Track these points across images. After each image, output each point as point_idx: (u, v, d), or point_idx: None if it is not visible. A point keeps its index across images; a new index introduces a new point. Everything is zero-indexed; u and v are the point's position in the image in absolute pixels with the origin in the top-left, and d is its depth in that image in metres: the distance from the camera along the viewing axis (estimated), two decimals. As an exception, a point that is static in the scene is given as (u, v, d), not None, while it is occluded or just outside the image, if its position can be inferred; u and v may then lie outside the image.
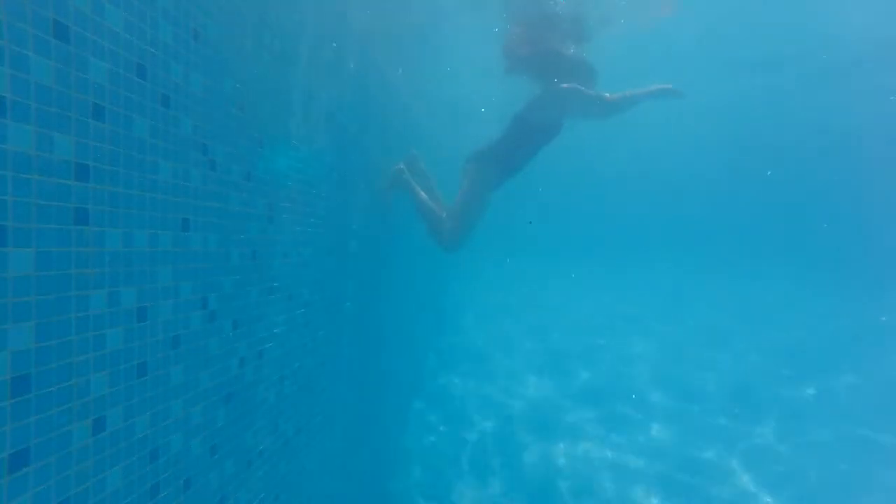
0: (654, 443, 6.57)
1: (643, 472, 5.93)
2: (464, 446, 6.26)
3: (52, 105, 1.29)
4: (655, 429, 6.89)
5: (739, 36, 7.77)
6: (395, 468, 5.73)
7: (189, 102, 1.94)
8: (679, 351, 9.59)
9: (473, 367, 8.59)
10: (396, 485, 5.52)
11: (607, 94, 4.79)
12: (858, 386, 7.89)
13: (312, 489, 3.45)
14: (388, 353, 5.82)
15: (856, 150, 15.78)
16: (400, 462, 5.88)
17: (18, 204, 1.20)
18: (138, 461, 1.68)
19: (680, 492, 5.65)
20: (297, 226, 3.10)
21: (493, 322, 11.18)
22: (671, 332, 10.77)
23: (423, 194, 5.05)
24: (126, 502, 1.61)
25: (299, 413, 3.19)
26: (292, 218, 3.02)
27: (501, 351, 9.47)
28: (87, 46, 1.40)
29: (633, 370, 8.67)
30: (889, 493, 5.56)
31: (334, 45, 3.63)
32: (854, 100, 10.90)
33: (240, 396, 2.41)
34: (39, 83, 1.25)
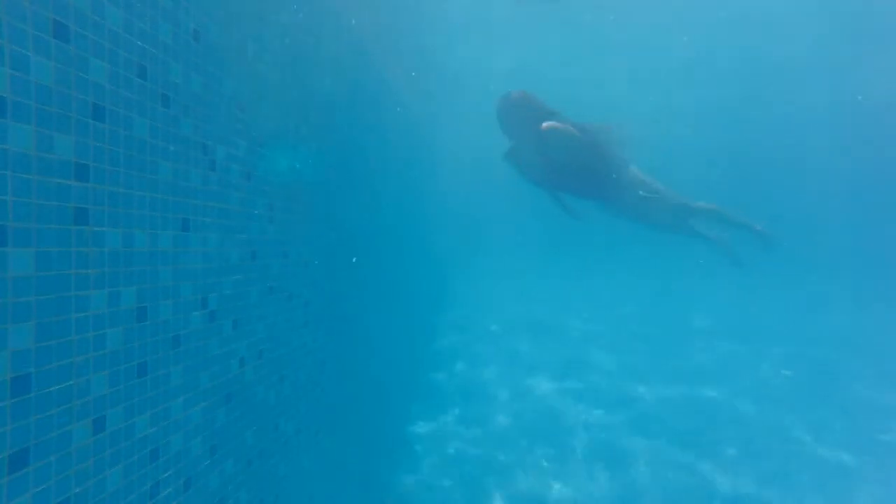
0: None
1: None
2: (463, 444, 6.27)
3: (52, 105, 1.29)
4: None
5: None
6: (396, 467, 5.73)
7: (189, 102, 1.94)
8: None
9: (468, 366, 8.60)
10: (397, 484, 5.52)
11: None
12: None
13: (312, 489, 3.45)
14: (387, 352, 5.82)
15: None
16: (400, 461, 5.89)
17: (18, 204, 1.20)
18: (138, 461, 1.68)
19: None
20: (298, 226, 3.10)
21: (487, 323, 11.21)
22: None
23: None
24: (126, 502, 1.61)
25: (299, 413, 3.18)
26: (292, 218, 3.02)
27: (497, 345, 9.50)
28: (87, 46, 1.40)
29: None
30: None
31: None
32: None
33: (240, 396, 2.41)
34: (39, 83, 1.25)
